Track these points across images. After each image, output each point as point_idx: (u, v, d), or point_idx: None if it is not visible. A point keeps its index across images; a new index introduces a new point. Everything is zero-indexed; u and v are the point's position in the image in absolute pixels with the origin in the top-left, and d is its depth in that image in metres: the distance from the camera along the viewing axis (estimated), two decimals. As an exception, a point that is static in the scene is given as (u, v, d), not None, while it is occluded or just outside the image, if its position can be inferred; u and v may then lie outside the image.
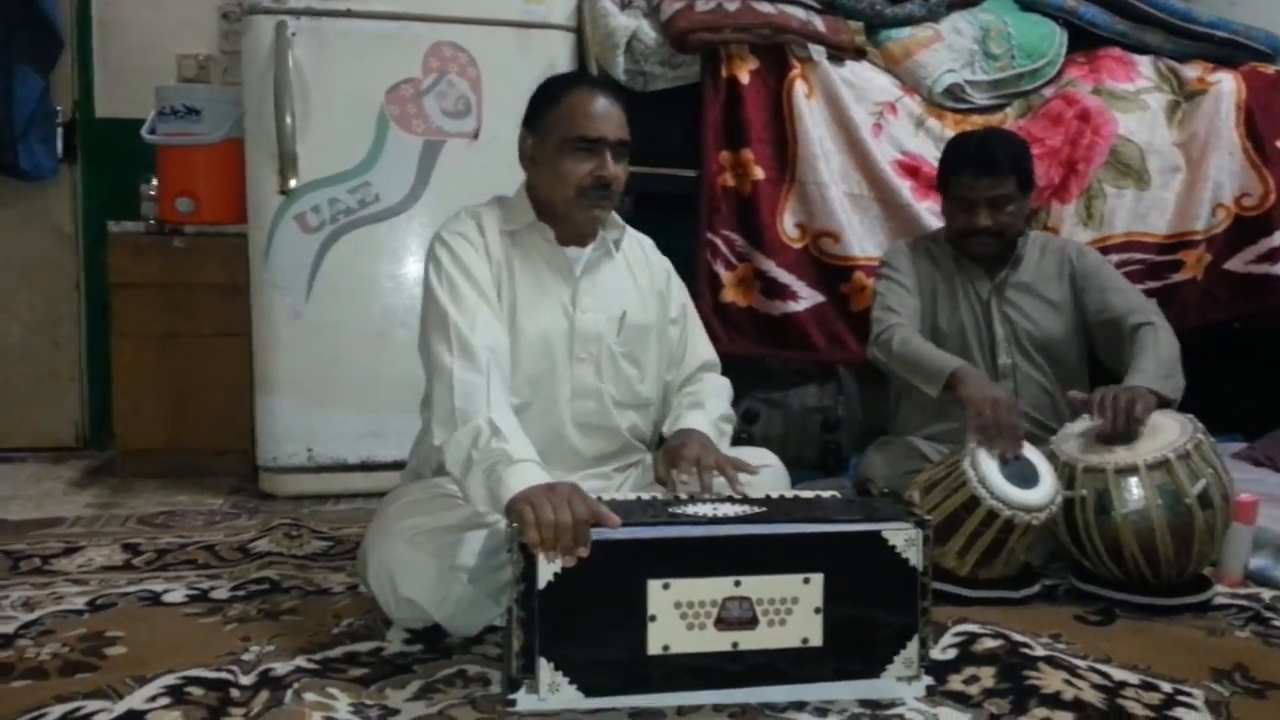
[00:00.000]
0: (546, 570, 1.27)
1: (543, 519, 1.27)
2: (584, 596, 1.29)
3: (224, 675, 1.44)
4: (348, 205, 2.57)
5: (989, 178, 2.10)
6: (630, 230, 1.86)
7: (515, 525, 1.31)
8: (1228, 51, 3.07)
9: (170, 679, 1.42)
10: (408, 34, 2.59)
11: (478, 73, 2.63)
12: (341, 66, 2.56)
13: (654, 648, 1.32)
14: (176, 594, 1.81)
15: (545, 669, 1.29)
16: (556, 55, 2.68)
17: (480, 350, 1.54)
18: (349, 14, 2.55)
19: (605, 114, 1.66)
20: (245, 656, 1.51)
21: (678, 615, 1.32)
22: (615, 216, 1.78)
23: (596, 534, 1.29)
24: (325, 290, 2.57)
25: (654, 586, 1.31)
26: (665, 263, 1.90)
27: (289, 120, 2.49)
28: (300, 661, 1.49)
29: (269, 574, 1.92)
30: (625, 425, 1.78)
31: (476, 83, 2.63)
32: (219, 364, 2.85)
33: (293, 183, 2.51)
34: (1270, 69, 3.02)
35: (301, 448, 2.59)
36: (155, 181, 3.00)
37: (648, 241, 1.90)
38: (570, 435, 1.72)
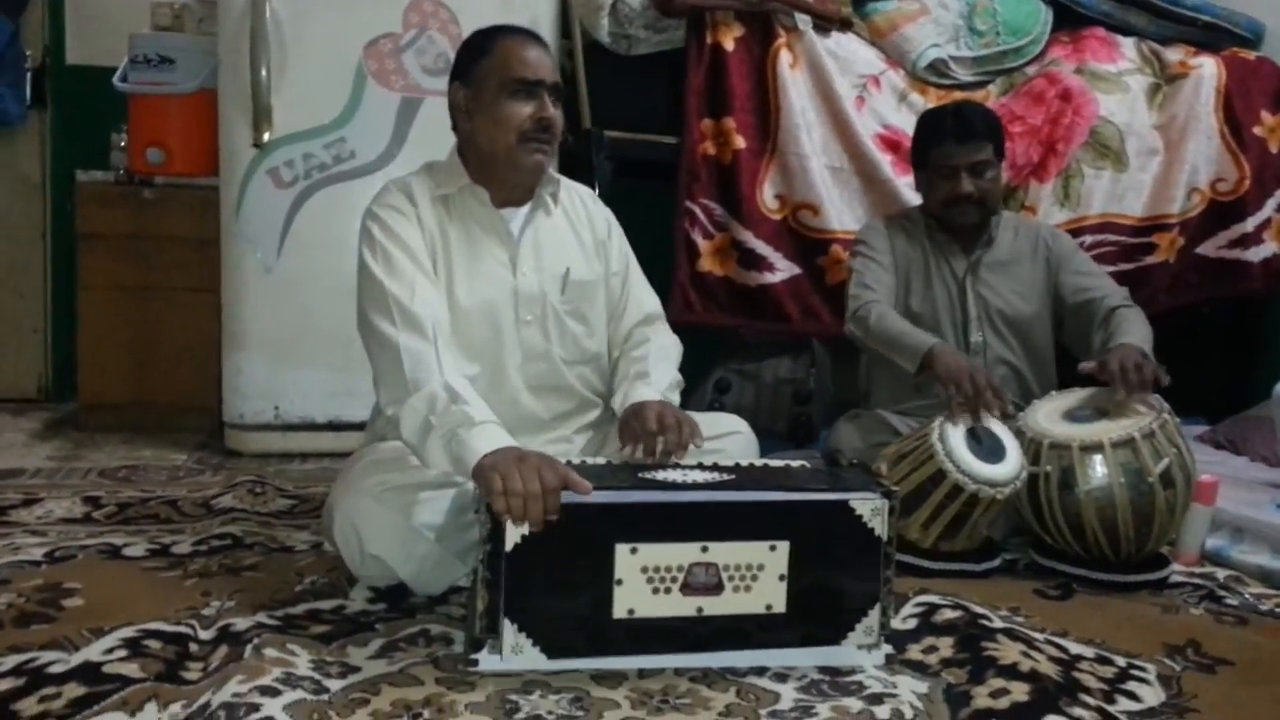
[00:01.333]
0: (514, 532, 1.27)
1: (511, 489, 1.25)
2: (551, 559, 1.29)
3: (183, 629, 1.43)
4: (322, 161, 2.54)
5: (969, 144, 2.13)
6: (567, 182, 1.82)
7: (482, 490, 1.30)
8: (1210, 35, 3.07)
9: (128, 631, 1.40)
10: (389, -13, 2.55)
11: (459, 30, 2.58)
12: (319, 19, 2.51)
13: (619, 611, 1.32)
14: (137, 548, 1.79)
15: (509, 630, 1.29)
16: (539, 14, 2.63)
17: (424, 319, 1.52)
18: (329, -34, 2.51)
19: (539, 57, 1.64)
20: (205, 611, 1.50)
21: (644, 580, 1.32)
22: (549, 171, 1.74)
23: (566, 497, 1.29)
24: (297, 246, 2.53)
25: (621, 550, 1.31)
26: (606, 213, 1.86)
27: (264, 72, 2.45)
28: (261, 618, 1.48)
29: (232, 530, 1.90)
30: (579, 382, 1.76)
31: (457, 40, 2.55)
32: (187, 318, 2.82)
33: (266, 136, 2.48)
34: (1251, 54, 3.03)
35: (269, 405, 2.57)
36: (126, 131, 2.94)
37: (587, 192, 1.86)
38: (525, 400, 1.70)
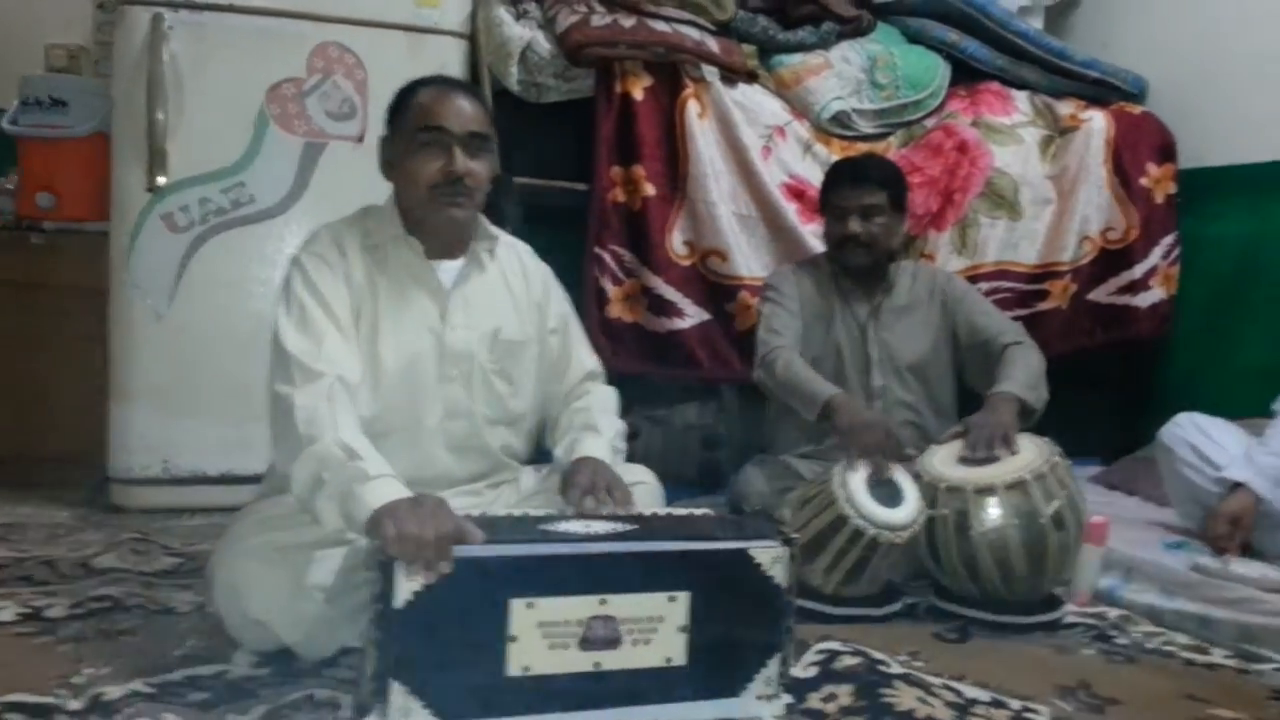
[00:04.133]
0: (405, 589, 1.22)
1: (404, 533, 1.22)
2: (443, 616, 1.24)
3: (50, 700, 1.34)
4: (220, 205, 2.48)
5: (860, 187, 2.21)
6: (505, 238, 1.80)
7: (376, 541, 1.26)
8: (1099, 90, 3.21)
9: (-12, 705, 1.32)
10: (292, 32, 2.52)
11: (365, 75, 2.57)
12: (220, 62, 2.47)
13: (514, 669, 1.27)
14: (6, 613, 1.69)
15: (398, 693, 1.23)
16: (448, 61, 2.63)
17: (325, 375, 1.47)
18: (230, 9, 2.47)
19: (454, 106, 1.59)
20: (76, 680, 1.42)
21: (540, 635, 1.28)
22: (486, 226, 1.72)
23: (461, 550, 1.24)
24: (191, 293, 2.46)
25: (517, 606, 1.27)
26: (544, 270, 1.84)
27: (160, 115, 2.39)
28: (136, 685, 1.41)
29: (111, 592, 1.81)
30: (498, 444, 1.73)
31: (363, 85, 2.57)
32: (76, 369, 2.71)
33: (161, 180, 2.41)
34: (1137, 109, 3.18)
35: (156, 459, 2.47)
36: (14, 175, 2.84)
37: (525, 249, 1.84)
38: (442, 457, 1.67)
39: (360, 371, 1.56)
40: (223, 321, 2.47)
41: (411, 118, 1.61)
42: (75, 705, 1.34)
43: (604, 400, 1.81)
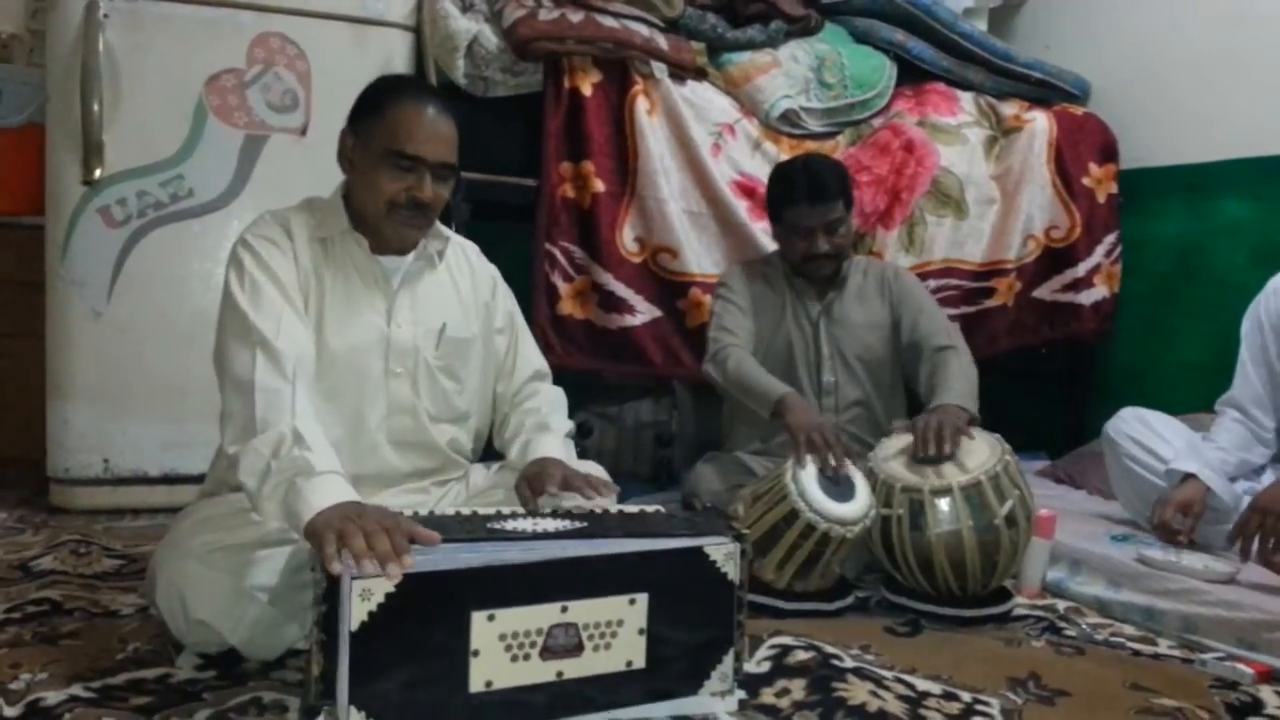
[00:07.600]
0: (360, 609, 1.16)
1: (353, 547, 1.17)
2: (401, 635, 1.19)
3: (-16, 708, 1.30)
4: (158, 199, 2.42)
5: (822, 205, 2.19)
6: (455, 238, 1.79)
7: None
8: (1042, 91, 3.27)
9: (-83, 714, 1.27)
10: (232, 22, 2.46)
11: (307, 66, 2.52)
12: (158, 52, 2.41)
13: (476, 685, 1.23)
14: (-62, 618, 1.64)
15: (356, 719, 1.18)
16: (393, 54, 2.60)
17: (286, 357, 1.44)
18: (168, -3, 2.41)
19: (432, 133, 1.55)
20: (13, 686, 1.37)
21: (502, 648, 1.24)
22: (439, 227, 1.70)
23: (418, 564, 1.20)
24: (129, 289, 2.40)
25: (478, 619, 1.23)
26: (491, 270, 1.83)
27: (96, 106, 2.32)
28: (76, 690, 1.37)
29: (50, 594, 1.76)
30: (444, 440, 1.72)
31: (306, 77, 2.52)
32: (11, 367, 2.64)
33: (98, 173, 2.34)
34: (1079, 110, 3.24)
35: (97, 458, 2.41)
36: (-57, 166, 2.75)
37: (472, 248, 1.83)
38: (386, 453, 1.65)
39: (314, 354, 1.53)
40: (162, 318, 2.41)
41: (386, 134, 1.55)
42: (11, 712, 1.29)
43: (553, 400, 1.81)
